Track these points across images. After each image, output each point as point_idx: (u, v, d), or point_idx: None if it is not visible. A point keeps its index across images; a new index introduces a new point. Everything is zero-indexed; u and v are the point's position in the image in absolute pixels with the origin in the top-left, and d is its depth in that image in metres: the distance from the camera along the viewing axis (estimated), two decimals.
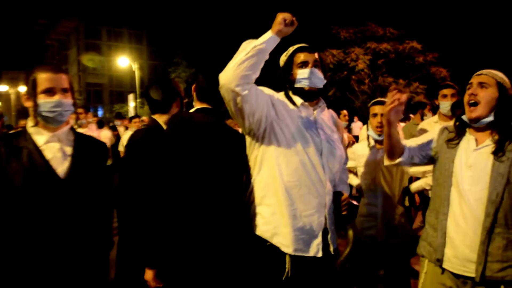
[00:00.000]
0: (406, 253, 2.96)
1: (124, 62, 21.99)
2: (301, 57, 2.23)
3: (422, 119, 5.16)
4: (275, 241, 2.09)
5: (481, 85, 2.01)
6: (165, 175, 2.12)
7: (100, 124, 8.00)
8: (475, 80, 2.04)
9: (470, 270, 1.95)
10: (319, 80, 2.22)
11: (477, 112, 2.00)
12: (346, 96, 23.67)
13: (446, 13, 23.18)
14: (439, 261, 2.06)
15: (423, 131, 3.85)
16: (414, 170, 3.10)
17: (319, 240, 2.12)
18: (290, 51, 2.27)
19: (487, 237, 1.91)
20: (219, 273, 2.14)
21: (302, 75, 2.21)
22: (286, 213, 2.08)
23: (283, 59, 2.29)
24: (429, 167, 3.01)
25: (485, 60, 22.58)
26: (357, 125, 13.37)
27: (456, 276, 2.02)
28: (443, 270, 2.06)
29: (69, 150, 1.98)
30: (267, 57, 2.01)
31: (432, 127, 4.00)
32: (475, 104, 2.00)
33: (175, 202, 2.10)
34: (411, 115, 7.71)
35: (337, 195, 2.24)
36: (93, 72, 39.58)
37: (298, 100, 2.22)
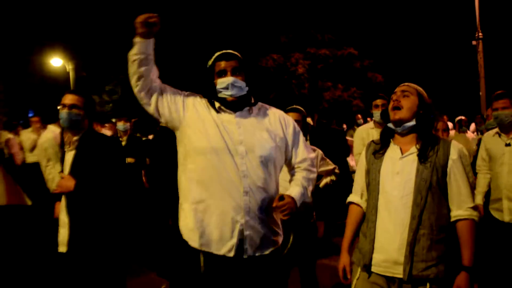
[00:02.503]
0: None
1: (58, 62, 20.90)
2: (220, 65, 2.26)
3: None
4: (186, 236, 2.17)
5: (403, 93, 2.22)
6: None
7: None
8: (398, 89, 2.26)
9: (398, 272, 2.09)
10: (239, 89, 2.24)
11: (400, 114, 2.18)
12: (286, 99, 24.07)
13: (380, 22, 24.29)
14: (365, 267, 2.18)
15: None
16: (320, 170, 3.61)
17: (233, 241, 2.12)
18: (212, 59, 2.30)
19: (413, 238, 2.06)
20: None
21: (221, 84, 2.24)
22: (197, 208, 2.14)
23: (209, 63, 2.32)
24: (330, 167, 3.71)
25: (416, 67, 23.92)
26: None
27: (385, 277, 2.15)
28: (372, 274, 2.18)
29: None
30: (150, 57, 2.15)
31: (368, 132, 4.47)
32: (398, 108, 2.20)
33: None
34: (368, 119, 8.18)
35: (278, 198, 2.18)
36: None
37: (217, 103, 2.26)
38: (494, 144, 3.69)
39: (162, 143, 5.45)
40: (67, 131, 2.95)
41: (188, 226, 2.18)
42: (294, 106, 3.55)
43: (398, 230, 2.10)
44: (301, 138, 2.43)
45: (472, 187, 2.15)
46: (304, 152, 2.39)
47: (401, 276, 2.07)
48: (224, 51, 2.30)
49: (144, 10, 2.02)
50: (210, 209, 2.12)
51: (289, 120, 2.42)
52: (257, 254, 2.18)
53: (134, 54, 2.12)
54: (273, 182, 2.27)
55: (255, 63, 22.06)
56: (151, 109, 2.21)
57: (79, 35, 23.18)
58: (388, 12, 24.56)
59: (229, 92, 2.22)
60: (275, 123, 2.33)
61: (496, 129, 3.76)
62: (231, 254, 2.11)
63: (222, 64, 2.25)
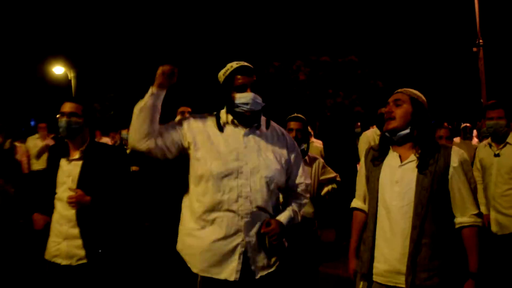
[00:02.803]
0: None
1: (59, 70, 20.95)
2: (240, 79, 2.20)
3: None
4: (186, 259, 2.18)
5: (396, 103, 2.19)
6: None
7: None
8: (391, 99, 2.23)
9: (400, 282, 2.06)
10: (258, 104, 2.21)
11: (393, 124, 2.16)
12: (287, 107, 24.05)
13: (381, 29, 24.39)
14: (364, 276, 2.16)
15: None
16: (322, 178, 3.58)
17: (234, 264, 2.09)
18: (229, 71, 2.22)
19: (415, 249, 2.03)
20: None
21: (242, 99, 2.18)
22: (195, 235, 2.14)
23: (221, 77, 2.25)
24: (331, 175, 3.65)
25: (418, 74, 23.94)
26: None
27: (387, 286, 2.12)
28: (373, 283, 2.16)
29: None
30: (158, 108, 2.10)
31: (374, 138, 4.55)
32: (391, 118, 2.18)
33: None
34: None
35: (265, 224, 2.16)
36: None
37: (229, 118, 2.22)
38: (485, 154, 3.66)
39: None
40: (67, 140, 2.84)
41: (188, 251, 2.18)
42: (296, 115, 3.54)
43: (399, 240, 2.07)
44: (302, 163, 2.43)
45: (475, 193, 2.11)
46: (301, 177, 2.38)
47: (403, 286, 2.04)
48: (241, 63, 2.24)
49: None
50: (210, 234, 2.11)
51: (294, 144, 2.41)
52: (261, 275, 2.15)
53: (144, 104, 2.06)
54: (273, 202, 2.26)
55: (258, 71, 22.08)
56: (159, 153, 2.14)
57: (81, 44, 23.27)
58: (389, 19, 24.67)
59: (249, 107, 2.17)
60: (281, 145, 2.30)
61: (488, 139, 3.71)
62: (232, 278, 2.08)
63: (243, 79, 2.19)
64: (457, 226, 2.10)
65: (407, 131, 2.14)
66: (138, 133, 2.08)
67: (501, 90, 17.84)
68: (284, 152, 2.29)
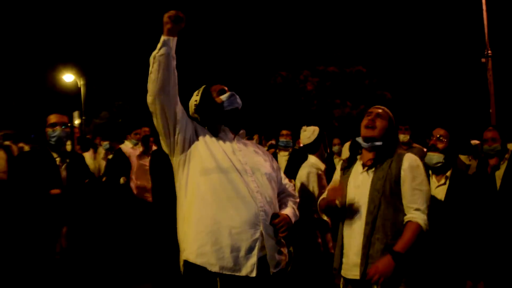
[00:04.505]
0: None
1: (69, 78, 21.17)
2: (217, 88, 2.42)
3: None
4: (200, 261, 2.09)
5: (379, 115, 2.44)
6: None
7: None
8: (374, 110, 2.48)
9: (357, 274, 2.27)
10: (239, 99, 2.42)
11: (372, 133, 2.40)
12: (295, 117, 24.09)
13: (388, 40, 24.41)
14: (335, 270, 2.43)
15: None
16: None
17: (253, 259, 2.10)
18: (201, 90, 2.42)
19: (368, 242, 2.27)
20: None
21: (227, 97, 2.38)
22: (211, 230, 2.10)
23: (196, 100, 2.41)
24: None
25: (425, 84, 23.90)
26: None
27: (351, 282, 2.35)
28: (344, 279, 2.41)
29: None
30: (172, 58, 2.11)
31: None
32: (373, 127, 2.41)
33: None
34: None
35: (272, 216, 2.22)
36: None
37: (218, 127, 2.37)
38: None
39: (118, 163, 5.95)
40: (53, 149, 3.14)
41: (203, 251, 2.09)
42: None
43: (356, 236, 2.33)
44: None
45: (424, 194, 2.29)
46: (285, 179, 2.58)
47: (358, 277, 2.25)
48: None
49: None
50: (226, 230, 2.09)
51: (266, 151, 2.63)
52: (275, 270, 2.19)
53: (158, 52, 2.07)
54: (276, 199, 2.37)
55: (265, 80, 22.21)
56: (171, 120, 2.19)
57: (91, 52, 23.54)
58: (396, 29, 24.70)
59: (236, 100, 2.40)
60: (261, 152, 2.50)
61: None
62: (254, 274, 2.08)
63: (218, 86, 2.44)
64: (404, 222, 2.29)
65: (380, 142, 2.39)
66: (156, 83, 2.10)
67: (510, 101, 17.73)
68: (266, 157, 2.48)
